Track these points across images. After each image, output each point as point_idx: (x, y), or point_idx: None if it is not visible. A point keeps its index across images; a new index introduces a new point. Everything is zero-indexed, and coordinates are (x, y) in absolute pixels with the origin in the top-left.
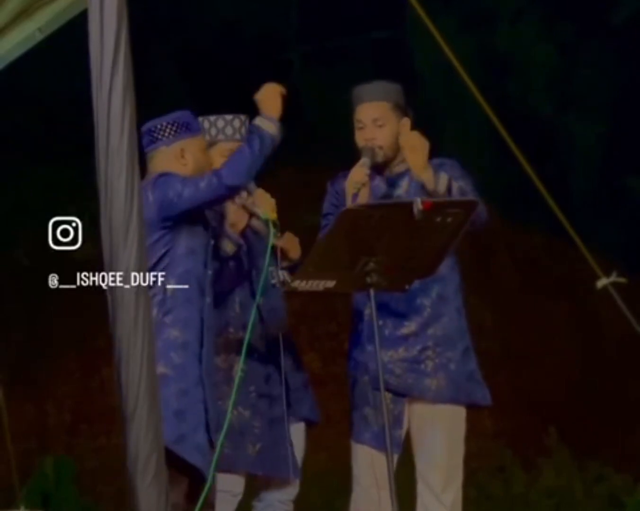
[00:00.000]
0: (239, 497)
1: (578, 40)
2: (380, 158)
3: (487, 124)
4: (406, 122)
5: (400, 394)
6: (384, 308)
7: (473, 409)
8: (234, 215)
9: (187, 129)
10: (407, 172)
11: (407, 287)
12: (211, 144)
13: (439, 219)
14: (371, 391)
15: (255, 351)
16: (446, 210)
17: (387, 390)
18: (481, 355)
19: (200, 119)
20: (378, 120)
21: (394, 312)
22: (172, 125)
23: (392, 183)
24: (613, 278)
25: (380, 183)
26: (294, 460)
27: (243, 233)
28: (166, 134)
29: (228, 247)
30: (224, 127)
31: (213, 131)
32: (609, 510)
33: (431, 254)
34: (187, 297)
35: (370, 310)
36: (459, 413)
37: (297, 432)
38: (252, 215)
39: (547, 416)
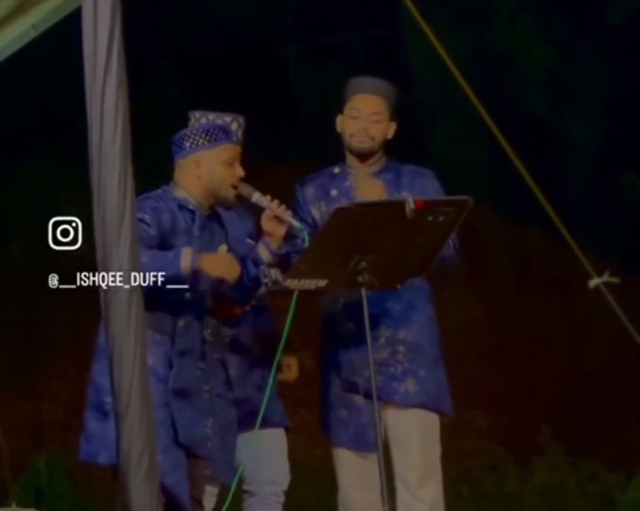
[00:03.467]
0: (215, 497)
1: (574, 38)
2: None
3: (482, 122)
4: (393, 126)
5: (369, 396)
6: (355, 310)
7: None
8: (268, 224)
9: (209, 141)
10: (382, 172)
11: (399, 286)
12: None
13: (430, 218)
14: (343, 393)
15: (216, 352)
16: (438, 209)
17: (357, 392)
18: (476, 353)
19: (197, 114)
20: (376, 114)
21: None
22: (192, 136)
23: (365, 184)
24: (605, 277)
25: (353, 183)
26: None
27: (283, 242)
28: (186, 145)
29: (264, 255)
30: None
31: None
32: (602, 509)
33: (423, 253)
34: (155, 322)
35: (341, 313)
36: (430, 416)
37: (275, 437)
38: (282, 222)
39: (540, 415)
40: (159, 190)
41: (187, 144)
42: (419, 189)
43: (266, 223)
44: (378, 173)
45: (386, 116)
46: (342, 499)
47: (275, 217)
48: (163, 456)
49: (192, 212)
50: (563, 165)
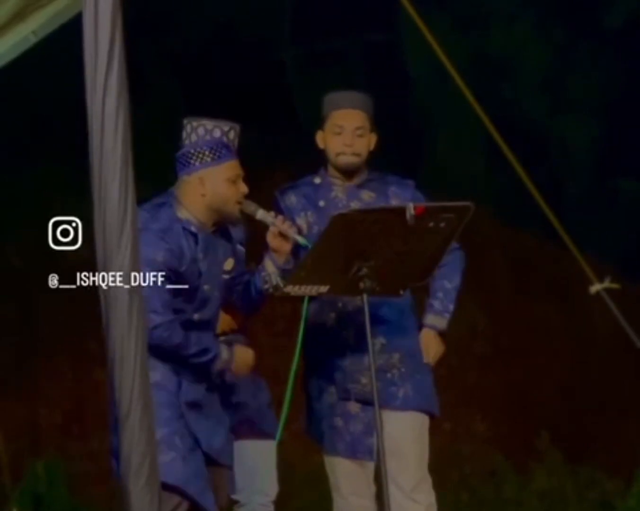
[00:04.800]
0: None
1: (572, 43)
2: (353, 166)
3: (481, 126)
4: (374, 137)
5: (367, 403)
6: (348, 318)
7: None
8: (274, 241)
9: (213, 159)
10: (367, 182)
11: (401, 292)
12: None
13: (432, 224)
14: (339, 401)
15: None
16: (439, 215)
17: (354, 399)
18: (474, 357)
19: (194, 123)
20: (360, 129)
21: (359, 321)
22: (196, 153)
23: (352, 194)
24: (606, 283)
25: (339, 194)
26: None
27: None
28: (191, 162)
29: (270, 269)
30: (220, 137)
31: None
32: None
33: (424, 259)
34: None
35: (333, 321)
36: (424, 418)
37: (267, 448)
38: (288, 238)
39: (539, 420)
40: (163, 213)
41: (192, 161)
42: (408, 199)
43: (272, 240)
44: (363, 185)
45: (368, 129)
46: (340, 506)
47: (280, 233)
48: (182, 465)
49: (195, 235)
50: (560, 170)
